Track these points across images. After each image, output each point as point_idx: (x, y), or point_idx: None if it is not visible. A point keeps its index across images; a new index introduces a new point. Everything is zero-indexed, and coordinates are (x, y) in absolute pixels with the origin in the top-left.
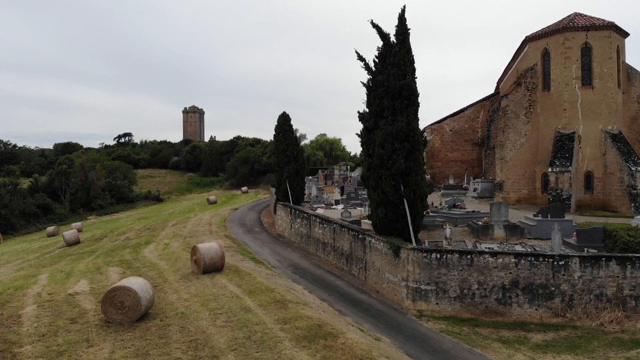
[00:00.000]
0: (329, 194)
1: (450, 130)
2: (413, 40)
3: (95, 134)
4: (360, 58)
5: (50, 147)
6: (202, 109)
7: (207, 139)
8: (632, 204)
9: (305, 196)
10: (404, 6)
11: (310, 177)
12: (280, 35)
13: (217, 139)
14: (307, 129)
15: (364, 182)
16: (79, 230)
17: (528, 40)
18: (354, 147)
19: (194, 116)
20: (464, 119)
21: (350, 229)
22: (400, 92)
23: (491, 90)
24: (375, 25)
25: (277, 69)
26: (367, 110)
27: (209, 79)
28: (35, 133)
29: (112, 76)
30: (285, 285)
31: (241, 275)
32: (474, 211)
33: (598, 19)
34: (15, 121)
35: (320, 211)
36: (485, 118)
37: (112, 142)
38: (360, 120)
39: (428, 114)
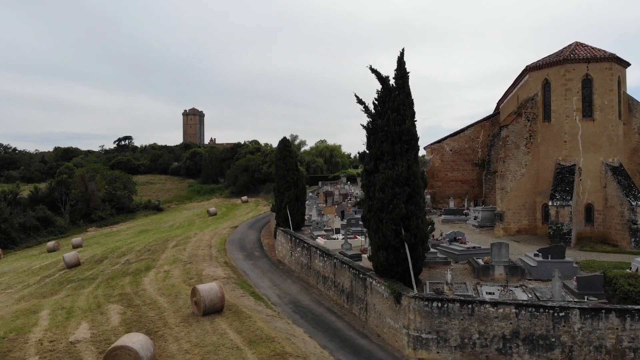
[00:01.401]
0: (329, 214)
1: (451, 150)
2: (411, 40)
3: (95, 134)
4: (360, 101)
5: (51, 148)
6: (202, 111)
7: (207, 140)
8: (633, 239)
9: (306, 219)
10: (403, 49)
11: (310, 194)
12: (279, 35)
13: (217, 141)
14: (307, 128)
15: (365, 222)
16: (79, 246)
17: (529, 69)
18: (353, 147)
19: (194, 118)
20: (464, 139)
21: (351, 267)
22: (400, 136)
23: (490, 93)
24: (374, 71)
25: (277, 69)
26: (367, 151)
27: (209, 78)
28: (36, 133)
29: (112, 76)
30: (286, 331)
31: (241, 319)
32: (474, 247)
33: (599, 50)
34: (15, 121)
35: (320, 241)
36: (485, 138)
37: (112, 145)
38: (360, 161)
39: (426, 114)
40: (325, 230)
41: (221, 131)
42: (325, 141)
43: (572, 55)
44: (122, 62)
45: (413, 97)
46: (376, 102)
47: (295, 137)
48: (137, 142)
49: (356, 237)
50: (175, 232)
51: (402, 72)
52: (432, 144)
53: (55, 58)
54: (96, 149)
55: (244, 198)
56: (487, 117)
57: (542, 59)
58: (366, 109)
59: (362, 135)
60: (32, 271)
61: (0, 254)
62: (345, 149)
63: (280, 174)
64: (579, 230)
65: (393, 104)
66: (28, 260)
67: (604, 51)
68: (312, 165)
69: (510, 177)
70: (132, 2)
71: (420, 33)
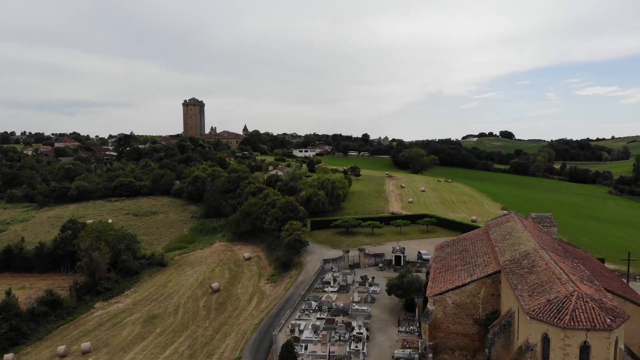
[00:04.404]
0: None
1: (452, 303)
2: (413, 2)
3: (94, 101)
4: None
5: (50, 115)
6: (202, 101)
7: (207, 130)
8: None
9: None
10: None
11: (312, 303)
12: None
13: (217, 130)
14: (308, 95)
15: None
16: (88, 352)
17: (531, 315)
18: (355, 120)
19: (194, 109)
20: (466, 294)
21: None
22: None
23: (494, 58)
24: None
25: (278, 34)
26: None
27: (210, 44)
28: (34, 100)
29: (111, 42)
30: None
31: None
32: None
33: (598, 315)
34: (14, 88)
35: None
36: (487, 294)
37: (115, 127)
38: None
39: (428, 79)
40: None
41: (221, 99)
42: (329, 170)
43: (572, 322)
44: (121, 28)
45: (415, 62)
46: None
47: (298, 172)
48: (137, 133)
49: None
50: (179, 340)
51: None
52: (434, 295)
53: (54, 23)
54: (94, 138)
55: (247, 255)
56: (488, 274)
57: (543, 307)
58: None
59: (364, 103)
60: None
61: None
62: (348, 128)
63: None
64: None
65: None
66: None
67: (603, 319)
68: (313, 199)
69: None
70: None
71: None
